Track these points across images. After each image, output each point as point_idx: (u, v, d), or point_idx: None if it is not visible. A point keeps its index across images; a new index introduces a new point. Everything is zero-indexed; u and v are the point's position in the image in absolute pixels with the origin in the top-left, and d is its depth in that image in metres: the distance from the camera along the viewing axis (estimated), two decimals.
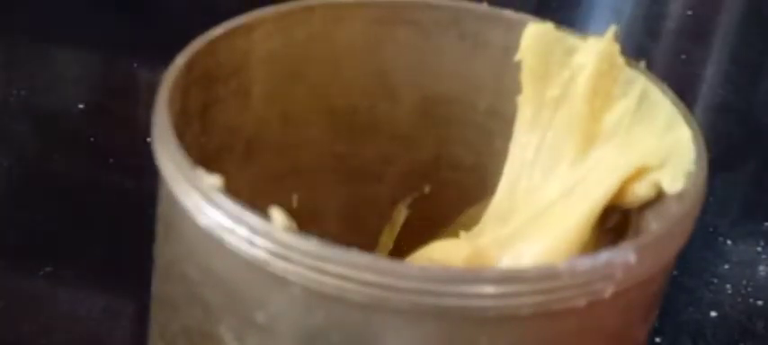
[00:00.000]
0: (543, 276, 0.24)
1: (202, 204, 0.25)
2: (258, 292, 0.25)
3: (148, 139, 0.27)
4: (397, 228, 0.35)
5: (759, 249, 0.50)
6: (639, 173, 0.29)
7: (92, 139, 0.52)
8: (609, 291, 0.24)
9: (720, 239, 0.51)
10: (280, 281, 0.24)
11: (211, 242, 0.25)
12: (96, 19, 0.61)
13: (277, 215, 0.25)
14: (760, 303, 0.47)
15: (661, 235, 0.26)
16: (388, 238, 0.35)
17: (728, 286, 0.48)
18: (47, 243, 0.45)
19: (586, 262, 0.24)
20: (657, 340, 0.44)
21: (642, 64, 0.31)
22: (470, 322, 0.24)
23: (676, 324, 0.45)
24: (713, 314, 0.46)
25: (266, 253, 0.24)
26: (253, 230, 0.24)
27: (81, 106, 0.54)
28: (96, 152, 0.51)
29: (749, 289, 0.48)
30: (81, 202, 0.48)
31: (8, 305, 0.42)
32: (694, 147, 0.28)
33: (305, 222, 0.26)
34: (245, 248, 0.24)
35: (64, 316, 0.42)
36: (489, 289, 0.23)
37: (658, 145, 0.29)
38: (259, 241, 0.24)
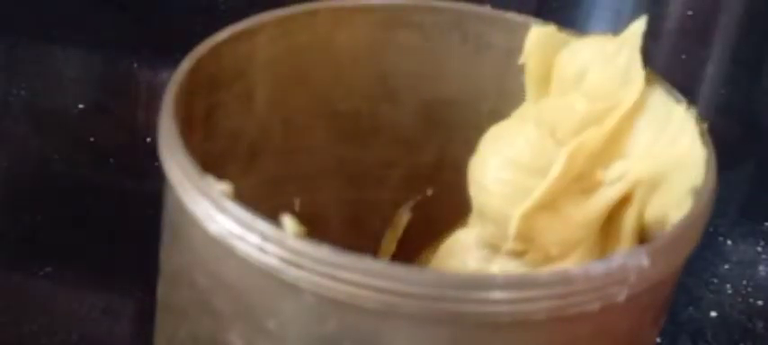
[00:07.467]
0: (557, 281, 0.24)
1: (212, 211, 0.24)
2: (269, 299, 0.25)
3: (148, 139, 0.27)
4: (400, 232, 0.35)
5: (759, 249, 0.50)
6: (652, 187, 0.29)
7: (92, 139, 0.52)
8: (622, 295, 0.24)
9: (720, 239, 0.51)
10: (291, 288, 0.24)
11: (221, 249, 0.24)
12: (96, 19, 0.61)
13: (288, 222, 0.24)
14: (760, 303, 0.47)
15: (674, 238, 0.26)
16: (390, 242, 0.35)
17: (728, 286, 0.48)
18: (47, 243, 0.45)
19: (600, 267, 0.24)
20: (657, 340, 0.44)
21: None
22: (484, 327, 0.24)
23: (676, 324, 0.45)
24: (713, 314, 0.46)
25: (278, 260, 0.24)
26: (264, 237, 0.24)
27: (81, 106, 0.54)
28: (96, 152, 0.51)
29: (749, 289, 0.47)
30: (81, 202, 0.48)
31: (8, 305, 0.42)
32: (704, 153, 0.28)
33: (307, 226, 0.26)
34: (256, 255, 0.24)
35: (64, 316, 0.42)
36: (502, 295, 0.23)
37: (667, 158, 0.29)
38: (270, 248, 0.24)
